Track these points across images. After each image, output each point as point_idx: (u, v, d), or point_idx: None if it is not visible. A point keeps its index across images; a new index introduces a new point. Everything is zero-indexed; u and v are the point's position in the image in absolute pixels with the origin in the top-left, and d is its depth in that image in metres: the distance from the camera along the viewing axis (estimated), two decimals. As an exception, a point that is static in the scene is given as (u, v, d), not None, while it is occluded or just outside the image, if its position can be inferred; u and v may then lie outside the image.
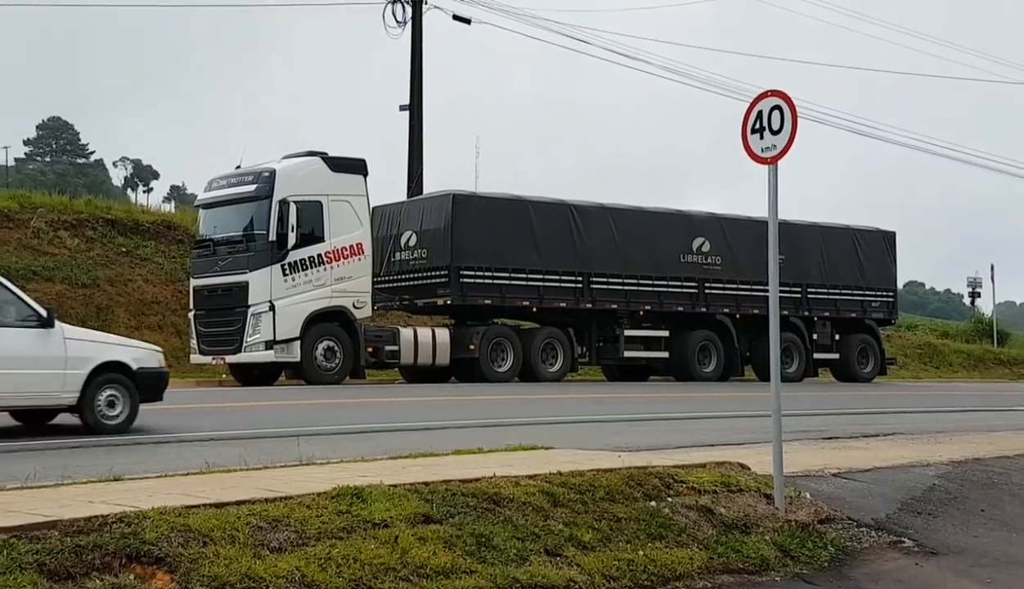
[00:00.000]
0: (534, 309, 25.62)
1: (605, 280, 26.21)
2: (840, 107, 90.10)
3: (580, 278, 25.91)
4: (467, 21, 33.34)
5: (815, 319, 29.33)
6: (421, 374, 24.65)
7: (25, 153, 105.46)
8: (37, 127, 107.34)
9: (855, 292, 30.04)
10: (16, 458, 9.07)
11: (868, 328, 30.42)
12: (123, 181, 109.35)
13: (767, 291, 8.63)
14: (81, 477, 7.51)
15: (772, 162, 8.29)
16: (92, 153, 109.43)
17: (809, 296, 29.20)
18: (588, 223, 26.27)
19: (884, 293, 30.81)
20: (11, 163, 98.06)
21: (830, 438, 12.65)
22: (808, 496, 8.52)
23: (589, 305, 26.04)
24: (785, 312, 27.61)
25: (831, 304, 29.66)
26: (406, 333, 24.02)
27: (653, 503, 7.73)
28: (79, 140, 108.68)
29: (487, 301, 24.82)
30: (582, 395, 21.38)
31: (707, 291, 27.61)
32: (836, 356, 29.87)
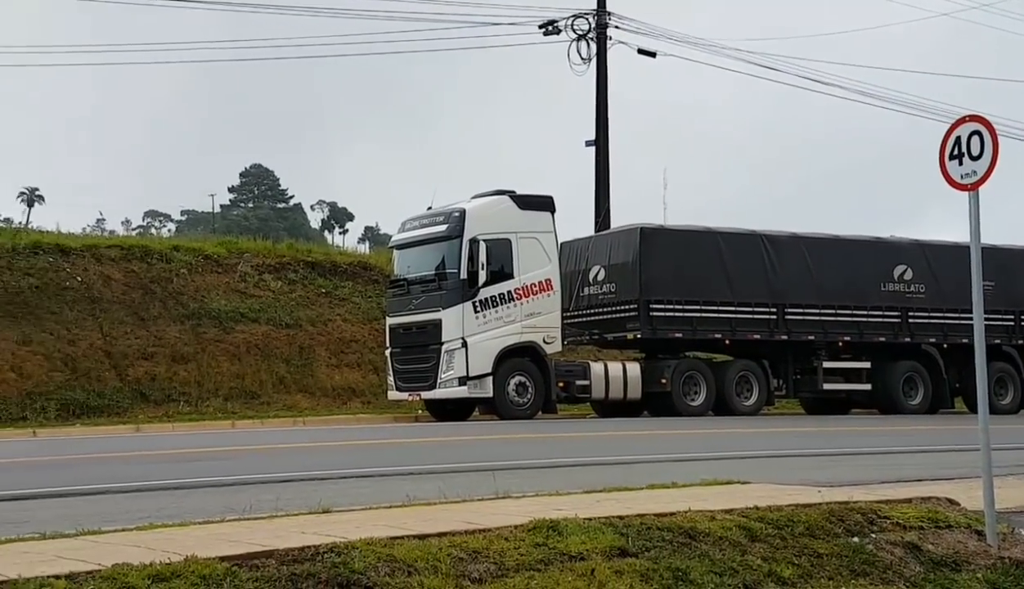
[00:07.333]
0: (727, 342, 25.31)
1: (801, 311, 25.66)
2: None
3: (774, 309, 25.44)
4: (652, 54, 33.27)
5: (1030, 347, 27.97)
6: (613, 408, 24.65)
7: (230, 200, 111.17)
8: (240, 174, 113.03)
9: (1074, 317, 28.50)
10: (233, 491, 9.50)
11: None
12: (320, 224, 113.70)
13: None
14: (292, 509, 7.81)
15: (972, 188, 8.00)
16: (291, 197, 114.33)
17: (1023, 323, 27.90)
18: (781, 253, 25.81)
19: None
20: (217, 209, 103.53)
21: (1047, 472, 12.00)
22: (1023, 533, 8.14)
23: (784, 337, 25.52)
24: (997, 341, 26.41)
25: (1048, 331, 28.23)
26: (596, 368, 24.10)
27: (856, 539, 7.52)
28: (279, 185, 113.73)
29: (678, 334, 24.63)
30: (779, 429, 20.91)
31: (911, 320, 26.68)
32: None
